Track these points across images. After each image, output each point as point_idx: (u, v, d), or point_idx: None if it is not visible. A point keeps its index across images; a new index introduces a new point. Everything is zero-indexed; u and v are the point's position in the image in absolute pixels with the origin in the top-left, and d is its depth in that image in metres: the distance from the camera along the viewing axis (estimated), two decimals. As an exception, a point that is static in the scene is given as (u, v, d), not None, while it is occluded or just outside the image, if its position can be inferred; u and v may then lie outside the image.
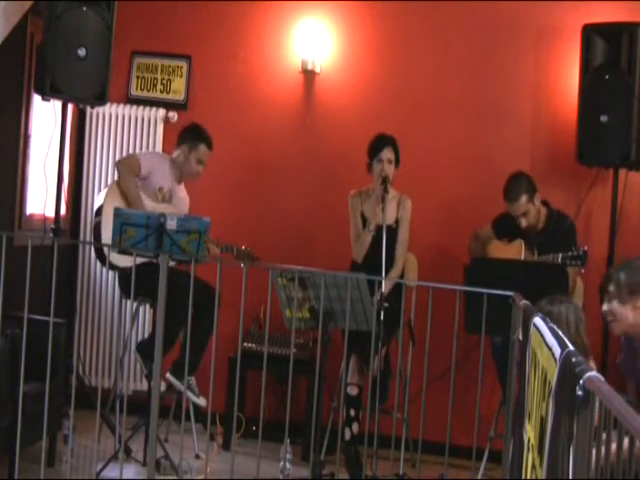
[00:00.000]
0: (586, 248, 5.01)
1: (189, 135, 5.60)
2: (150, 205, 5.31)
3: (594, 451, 2.00)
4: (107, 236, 5.11)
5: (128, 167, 5.38)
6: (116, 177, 5.52)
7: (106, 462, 4.85)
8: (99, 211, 5.33)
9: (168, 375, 5.19)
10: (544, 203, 5.43)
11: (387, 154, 5.44)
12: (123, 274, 5.29)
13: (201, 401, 5.21)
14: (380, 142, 5.48)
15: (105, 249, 5.12)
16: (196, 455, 5.44)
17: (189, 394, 5.14)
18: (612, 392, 1.87)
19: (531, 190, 5.30)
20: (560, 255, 5.05)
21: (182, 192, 5.66)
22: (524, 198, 5.27)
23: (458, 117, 6.04)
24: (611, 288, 3.79)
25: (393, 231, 5.46)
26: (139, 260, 4.79)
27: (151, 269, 4.73)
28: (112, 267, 5.16)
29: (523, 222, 5.31)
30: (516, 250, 5.40)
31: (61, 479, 4.78)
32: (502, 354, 4.63)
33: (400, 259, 5.53)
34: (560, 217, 5.43)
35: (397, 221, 5.53)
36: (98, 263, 6.15)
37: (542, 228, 5.40)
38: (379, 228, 5.32)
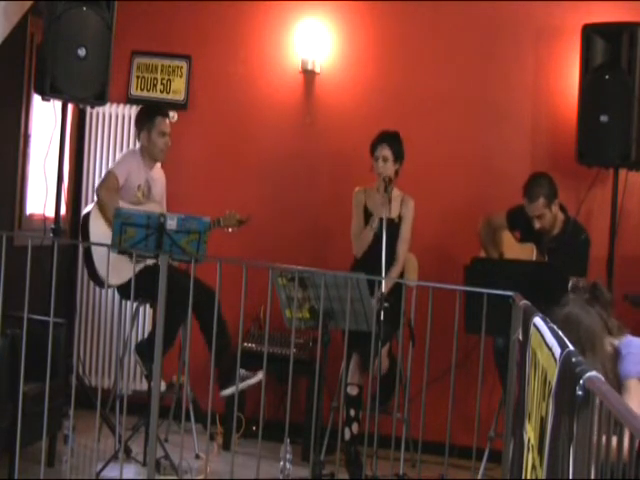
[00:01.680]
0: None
1: (141, 119, 5.62)
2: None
3: (594, 451, 2.00)
4: (98, 259, 5.14)
5: (108, 189, 5.38)
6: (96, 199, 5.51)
7: (106, 462, 4.85)
8: (86, 234, 5.33)
9: (223, 393, 5.21)
10: (562, 209, 5.39)
11: (381, 152, 5.42)
12: (119, 288, 5.32)
13: (259, 376, 5.17)
14: (376, 140, 5.48)
15: (99, 272, 5.15)
16: (196, 455, 5.44)
17: (249, 382, 5.17)
18: (612, 392, 1.87)
19: (551, 195, 5.23)
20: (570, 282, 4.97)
21: (156, 174, 5.68)
22: (542, 201, 5.21)
23: (458, 117, 6.04)
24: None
25: (395, 226, 5.46)
26: (136, 268, 4.80)
27: (149, 273, 4.74)
28: (108, 286, 5.18)
29: (536, 224, 5.28)
30: (527, 253, 5.39)
31: (61, 479, 4.78)
32: (504, 356, 4.62)
33: (401, 257, 5.53)
34: (577, 228, 5.38)
35: (399, 217, 5.52)
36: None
37: (557, 234, 5.38)
38: (381, 223, 5.31)
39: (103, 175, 5.72)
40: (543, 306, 3.48)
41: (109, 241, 4.90)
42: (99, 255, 5.13)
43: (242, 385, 5.12)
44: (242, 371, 5.16)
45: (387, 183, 5.35)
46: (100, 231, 5.26)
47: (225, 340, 5.20)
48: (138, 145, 5.65)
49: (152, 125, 5.53)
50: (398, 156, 5.44)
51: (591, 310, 3.54)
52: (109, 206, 5.29)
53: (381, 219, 5.32)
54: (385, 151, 5.42)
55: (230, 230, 5.49)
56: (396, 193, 5.50)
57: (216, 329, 4.63)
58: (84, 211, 5.55)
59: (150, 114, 5.58)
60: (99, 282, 5.33)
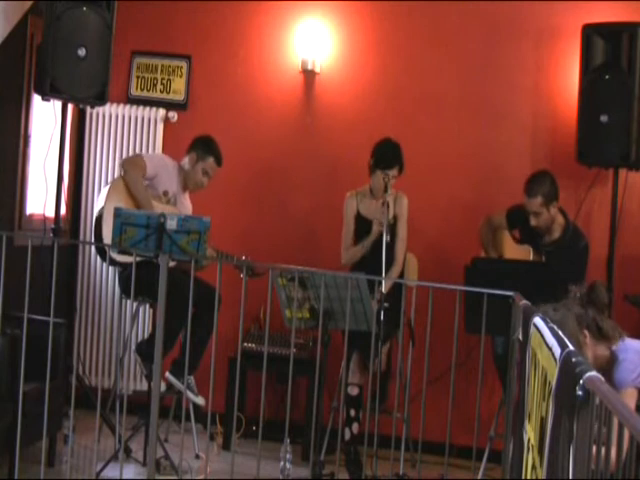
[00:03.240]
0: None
1: (200, 145, 5.56)
2: (156, 206, 5.29)
3: (594, 451, 2.00)
4: (108, 232, 5.10)
5: (135, 166, 5.33)
6: (117, 174, 5.48)
7: (106, 462, 4.84)
8: (99, 232, 5.29)
9: (167, 374, 5.18)
10: (563, 214, 5.38)
11: (395, 172, 5.43)
12: (123, 272, 5.29)
13: (199, 400, 5.20)
14: (391, 156, 5.44)
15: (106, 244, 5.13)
16: (196, 455, 5.44)
17: (188, 393, 5.13)
18: (612, 392, 1.87)
19: (550, 194, 5.22)
20: None
21: (186, 200, 5.63)
22: (540, 199, 5.21)
23: (458, 117, 6.04)
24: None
25: (391, 226, 5.46)
26: (139, 258, 4.79)
27: (151, 267, 4.73)
28: (112, 262, 5.14)
29: (532, 220, 5.27)
30: (525, 255, 5.39)
31: (61, 479, 4.78)
32: (503, 360, 4.62)
33: (400, 256, 5.54)
34: (576, 234, 5.36)
35: (394, 217, 5.53)
36: (98, 262, 6.17)
37: (556, 239, 5.37)
38: (374, 240, 5.32)
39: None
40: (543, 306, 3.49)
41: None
42: (109, 230, 5.08)
43: (183, 390, 5.09)
44: (192, 380, 5.17)
45: (387, 183, 5.37)
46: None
47: (209, 337, 5.15)
48: (182, 162, 5.59)
49: (203, 158, 5.48)
50: (402, 167, 5.48)
51: (570, 317, 3.51)
52: (132, 179, 5.24)
53: (378, 234, 5.32)
54: (397, 172, 5.44)
55: (241, 276, 5.42)
56: (389, 191, 5.49)
57: (208, 325, 4.64)
58: (96, 208, 5.41)
59: (209, 150, 5.52)
60: (105, 256, 5.29)
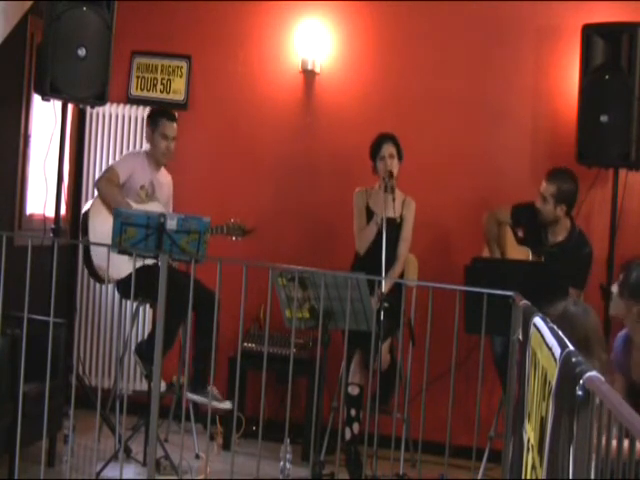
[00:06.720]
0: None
1: (149, 121, 5.62)
2: (135, 207, 5.30)
3: (594, 451, 2.00)
4: (96, 254, 5.14)
5: (107, 183, 5.37)
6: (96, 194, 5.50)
7: (106, 462, 4.85)
8: (85, 230, 5.32)
9: (189, 395, 5.16)
10: (571, 219, 5.41)
11: (388, 149, 5.46)
12: (118, 283, 5.31)
13: (227, 404, 5.16)
14: (380, 140, 5.50)
15: (97, 267, 5.15)
16: (196, 455, 5.44)
17: (215, 403, 5.07)
18: (612, 392, 1.87)
19: (564, 193, 5.28)
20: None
21: (163, 177, 5.66)
22: (552, 188, 5.28)
23: (458, 117, 6.04)
24: (620, 278, 3.89)
25: (396, 227, 5.47)
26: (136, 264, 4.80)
27: (148, 272, 4.73)
28: (105, 281, 5.17)
29: (537, 202, 5.33)
30: (523, 256, 5.40)
31: (61, 479, 4.78)
32: (504, 359, 4.61)
33: (402, 256, 5.55)
34: (581, 239, 5.40)
35: (401, 217, 5.54)
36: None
37: (561, 241, 5.38)
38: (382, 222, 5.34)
39: (103, 169, 5.74)
40: (543, 306, 3.49)
41: (109, 237, 4.90)
42: (97, 251, 5.13)
43: (209, 403, 5.07)
44: (214, 389, 5.12)
45: (389, 178, 5.36)
46: (99, 228, 5.25)
47: (211, 343, 5.15)
48: (145, 147, 5.66)
49: (156, 126, 5.52)
50: (400, 155, 5.49)
51: (590, 311, 3.56)
52: (109, 196, 5.29)
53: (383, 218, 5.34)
54: (391, 148, 5.47)
55: (234, 239, 5.49)
56: (398, 193, 5.50)
57: (209, 331, 4.62)
58: (84, 207, 5.54)
59: (156, 116, 5.57)
60: (98, 278, 5.33)
